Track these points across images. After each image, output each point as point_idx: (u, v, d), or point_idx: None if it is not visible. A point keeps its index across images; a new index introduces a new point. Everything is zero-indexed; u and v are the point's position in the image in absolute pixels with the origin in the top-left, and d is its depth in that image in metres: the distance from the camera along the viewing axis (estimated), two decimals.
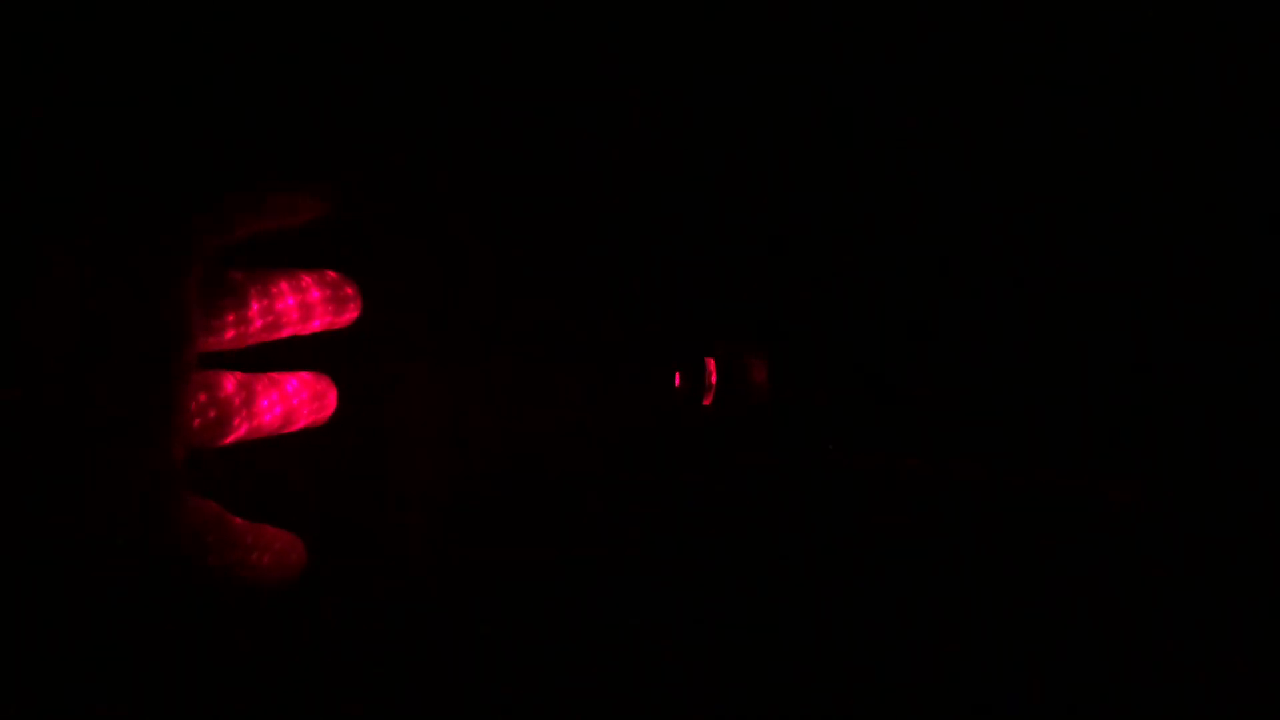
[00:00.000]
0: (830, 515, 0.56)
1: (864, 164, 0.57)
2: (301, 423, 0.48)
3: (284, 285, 0.45)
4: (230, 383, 0.44)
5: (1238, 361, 0.54)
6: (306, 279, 0.46)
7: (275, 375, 0.46)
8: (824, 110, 0.56)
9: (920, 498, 0.55)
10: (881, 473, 0.55)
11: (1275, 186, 0.54)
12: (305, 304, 0.46)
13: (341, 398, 0.49)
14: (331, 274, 0.47)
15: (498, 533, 0.55)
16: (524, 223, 0.56)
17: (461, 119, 0.54)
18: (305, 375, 0.48)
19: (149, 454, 0.39)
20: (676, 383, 0.56)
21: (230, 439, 0.44)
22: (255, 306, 0.44)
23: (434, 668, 0.53)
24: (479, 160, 0.55)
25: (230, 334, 0.43)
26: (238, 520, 0.43)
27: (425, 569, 0.54)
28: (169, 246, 0.40)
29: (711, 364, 0.56)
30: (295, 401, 0.47)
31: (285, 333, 0.46)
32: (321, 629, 0.52)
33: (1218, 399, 0.54)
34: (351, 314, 0.48)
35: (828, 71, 0.56)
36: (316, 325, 0.47)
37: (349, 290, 0.48)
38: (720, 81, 0.56)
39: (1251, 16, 0.54)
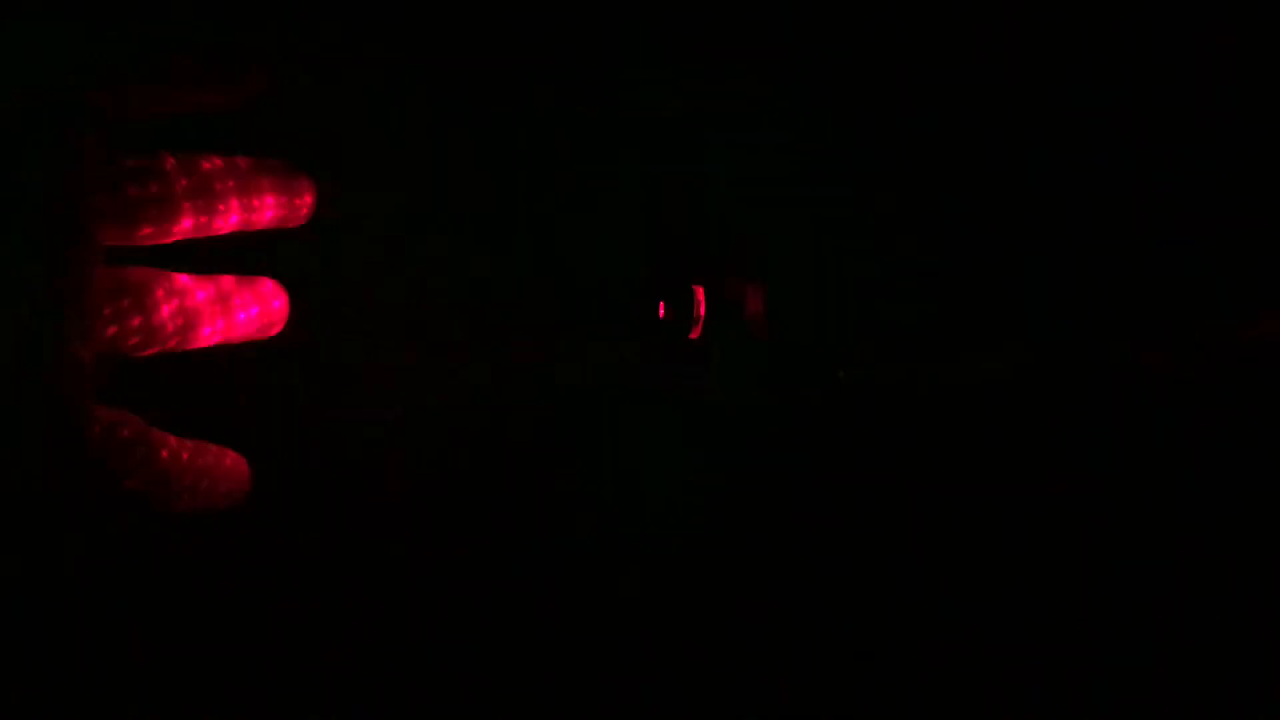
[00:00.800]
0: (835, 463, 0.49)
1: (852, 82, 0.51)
2: (248, 328, 0.45)
3: (234, 202, 0.42)
4: (183, 278, 0.41)
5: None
6: (268, 197, 0.44)
7: (209, 276, 0.43)
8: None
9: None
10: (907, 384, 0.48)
11: None
12: (250, 221, 0.43)
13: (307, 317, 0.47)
14: (276, 161, 0.44)
15: (475, 466, 0.50)
16: (502, 138, 0.51)
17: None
18: (239, 278, 0.45)
19: (44, 359, 0.36)
20: (660, 315, 0.51)
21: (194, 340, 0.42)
22: (188, 222, 0.41)
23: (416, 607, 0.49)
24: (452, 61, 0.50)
25: (147, 230, 0.40)
26: (169, 436, 0.40)
27: (399, 500, 0.50)
28: (55, 113, 0.37)
29: (700, 293, 0.51)
30: (235, 300, 0.44)
31: (232, 223, 0.42)
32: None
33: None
34: (305, 199, 0.45)
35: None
36: (269, 216, 0.44)
37: (302, 180, 0.45)
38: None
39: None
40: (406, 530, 0.48)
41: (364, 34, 0.46)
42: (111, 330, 0.39)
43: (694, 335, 0.51)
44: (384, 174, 0.49)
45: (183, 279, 0.42)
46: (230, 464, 0.43)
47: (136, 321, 0.40)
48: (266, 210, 0.44)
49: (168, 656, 0.44)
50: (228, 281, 0.44)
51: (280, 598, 0.47)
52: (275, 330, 0.46)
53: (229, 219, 0.42)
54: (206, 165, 0.41)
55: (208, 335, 0.43)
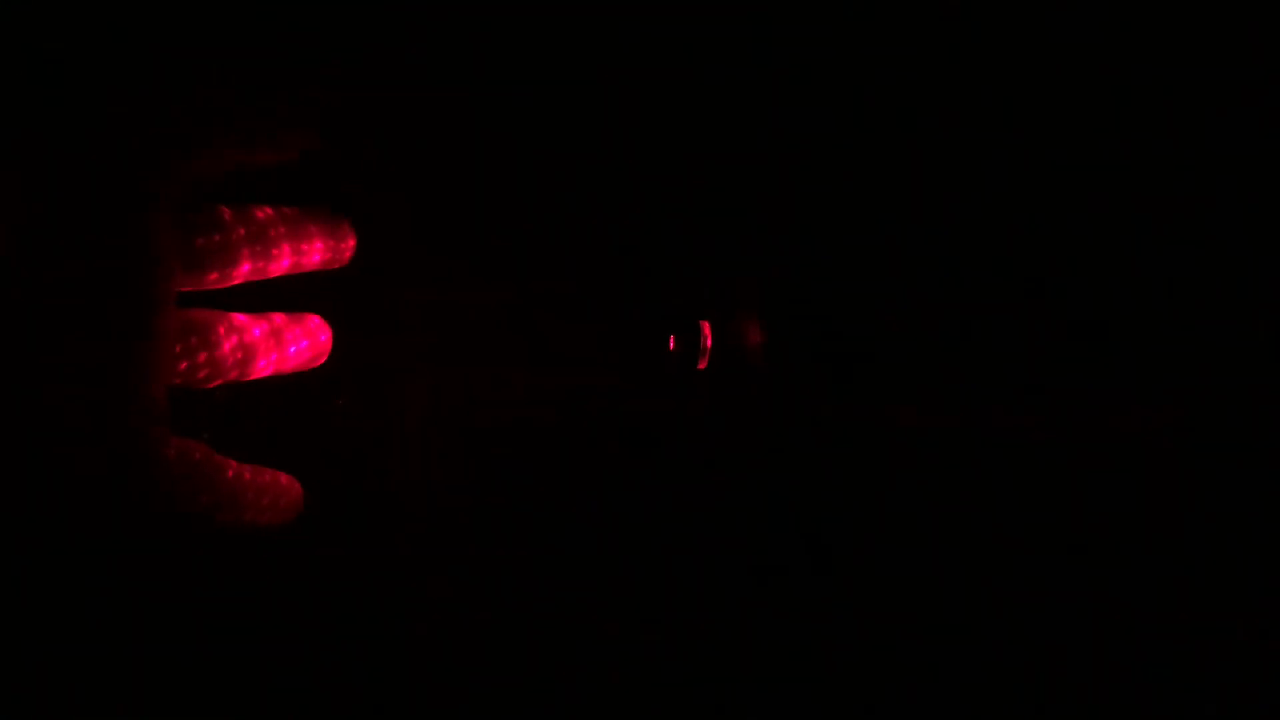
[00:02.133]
0: (830, 478, 0.55)
1: (856, 131, 0.57)
2: (298, 360, 0.48)
3: (285, 248, 0.45)
4: (241, 317, 0.44)
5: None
6: (316, 240, 0.46)
7: (263, 314, 0.46)
8: (812, 81, 0.56)
9: (927, 450, 0.54)
10: (880, 427, 0.54)
11: None
12: (300, 265, 0.46)
13: (341, 347, 0.50)
14: (325, 210, 0.47)
15: (494, 498, 0.54)
16: (518, 184, 0.56)
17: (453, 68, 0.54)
18: (289, 315, 0.48)
19: (125, 394, 0.38)
20: (671, 346, 0.56)
21: (223, 379, 0.44)
22: (246, 266, 0.44)
23: (436, 638, 0.53)
24: (469, 113, 0.54)
25: (213, 275, 0.43)
26: (230, 461, 0.43)
27: (425, 520, 0.54)
28: (133, 174, 0.39)
29: (706, 327, 0.56)
30: (287, 335, 0.47)
31: (282, 263, 0.45)
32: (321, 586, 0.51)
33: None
34: (349, 242, 0.48)
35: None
36: (317, 259, 0.47)
37: (344, 224, 0.48)
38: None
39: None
40: (439, 548, 0.52)
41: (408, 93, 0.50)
42: (183, 365, 0.42)
43: (701, 366, 0.56)
44: (415, 209, 0.53)
45: (240, 317, 0.45)
46: (285, 483, 0.46)
47: (203, 357, 0.43)
48: (315, 254, 0.47)
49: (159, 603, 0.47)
50: (279, 318, 0.47)
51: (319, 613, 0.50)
52: (322, 361, 0.49)
53: (281, 263, 0.46)
54: (260, 215, 0.45)
55: (263, 367, 0.46)
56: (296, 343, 0.48)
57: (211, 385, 0.44)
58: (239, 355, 0.44)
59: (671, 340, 0.55)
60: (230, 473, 0.43)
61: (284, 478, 0.46)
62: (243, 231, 0.43)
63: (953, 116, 0.55)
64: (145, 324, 0.39)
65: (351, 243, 0.49)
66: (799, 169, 0.57)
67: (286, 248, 0.45)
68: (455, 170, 0.54)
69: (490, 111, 0.54)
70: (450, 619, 0.53)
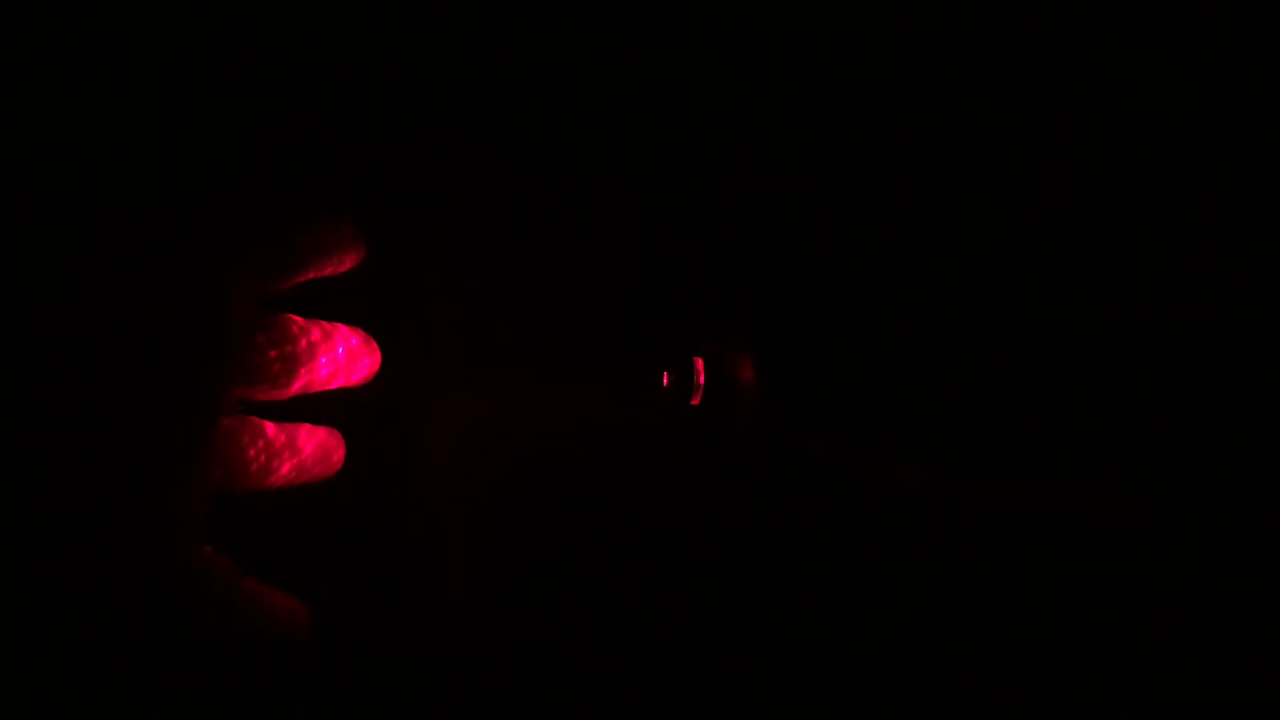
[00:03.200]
0: (819, 519, 0.56)
1: (853, 163, 0.57)
2: (320, 469, 0.46)
3: (336, 336, 0.44)
4: (271, 426, 0.43)
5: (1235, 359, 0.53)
6: (343, 329, 0.44)
7: (298, 424, 0.45)
8: (808, 108, 0.56)
9: (912, 504, 0.55)
10: (871, 478, 0.55)
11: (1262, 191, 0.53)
12: (351, 352, 0.44)
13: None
14: (358, 329, 0.46)
15: (508, 549, 0.56)
16: (503, 224, 0.56)
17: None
18: (308, 426, 0.46)
19: (167, 498, 0.36)
20: (664, 383, 0.56)
21: (271, 482, 0.43)
22: (324, 359, 0.43)
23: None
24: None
25: (297, 387, 0.42)
26: (248, 580, 0.41)
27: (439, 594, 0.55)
28: (220, 272, 0.37)
29: (700, 364, 0.57)
30: (312, 445, 0.45)
31: (338, 382, 0.44)
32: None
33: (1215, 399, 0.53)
34: (377, 361, 0.46)
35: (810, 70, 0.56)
36: (356, 378, 0.45)
37: (371, 340, 0.46)
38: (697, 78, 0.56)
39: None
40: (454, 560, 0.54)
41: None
42: (217, 473, 0.41)
43: (695, 402, 0.57)
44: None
45: (270, 426, 0.44)
46: (288, 604, 0.43)
47: (261, 462, 0.42)
48: (357, 372, 0.46)
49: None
50: (301, 430, 0.45)
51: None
52: (335, 470, 0.47)
53: (322, 377, 0.44)
54: (317, 331, 0.43)
55: (285, 475, 0.44)
56: (314, 455, 0.45)
57: (264, 486, 0.43)
58: (262, 460, 0.42)
59: (665, 377, 0.56)
60: (250, 595, 0.41)
61: (293, 604, 0.43)
62: (304, 344, 0.42)
63: (962, 154, 0.56)
64: (199, 428, 0.37)
65: (379, 361, 0.47)
66: (799, 205, 0.57)
67: (340, 345, 0.44)
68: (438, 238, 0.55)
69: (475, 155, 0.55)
70: (467, 636, 0.54)
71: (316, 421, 0.46)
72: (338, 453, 0.46)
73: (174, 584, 0.37)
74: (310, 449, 0.44)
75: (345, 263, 0.43)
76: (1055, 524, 0.53)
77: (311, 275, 0.42)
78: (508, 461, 0.55)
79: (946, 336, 0.55)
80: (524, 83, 0.55)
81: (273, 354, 0.40)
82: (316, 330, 0.43)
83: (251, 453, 0.41)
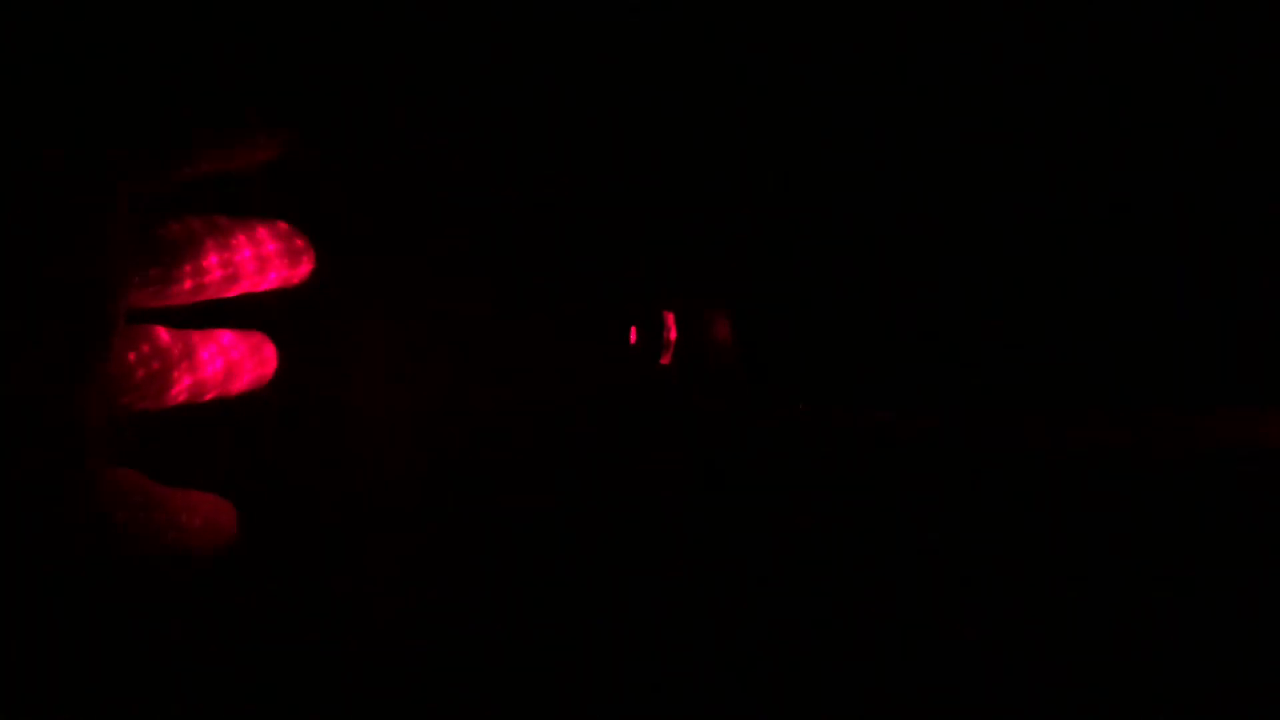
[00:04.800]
0: (807, 477, 0.52)
1: (834, 116, 0.53)
2: (245, 378, 0.44)
3: (241, 237, 0.42)
4: (165, 333, 0.41)
5: None
6: (260, 230, 0.43)
7: (209, 330, 0.43)
8: (788, 64, 0.52)
9: (902, 454, 0.50)
10: (860, 430, 0.51)
11: None
12: (261, 256, 0.43)
13: (285, 361, 0.46)
14: (283, 225, 0.44)
15: (461, 504, 0.51)
16: (472, 173, 0.52)
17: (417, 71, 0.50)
18: (237, 331, 0.44)
19: (63, 418, 0.35)
20: (633, 339, 0.52)
21: (173, 394, 0.41)
22: (214, 258, 0.41)
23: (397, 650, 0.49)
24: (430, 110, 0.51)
25: (188, 285, 0.40)
26: (163, 488, 0.40)
27: (380, 540, 0.50)
28: (89, 185, 0.36)
29: (671, 319, 0.52)
30: (235, 355, 0.44)
31: (243, 287, 0.43)
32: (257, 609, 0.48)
33: None
34: (306, 267, 0.45)
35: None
36: (272, 278, 0.44)
37: (300, 243, 0.45)
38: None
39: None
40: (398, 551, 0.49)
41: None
42: (137, 377, 0.39)
43: (664, 360, 0.52)
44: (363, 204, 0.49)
45: (190, 333, 0.42)
46: (217, 506, 0.43)
47: (156, 372, 0.40)
48: (273, 271, 0.44)
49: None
50: (227, 335, 0.44)
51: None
52: (267, 380, 0.46)
53: (245, 260, 0.43)
54: (221, 221, 0.42)
55: (212, 386, 0.43)
56: (242, 357, 0.44)
57: (164, 402, 0.41)
58: (187, 366, 0.41)
59: (633, 333, 0.52)
60: (164, 498, 0.40)
61: (217, 501, 0.42)
62: (201, 224, 0.41)
63: (936, 104, 0.52)
64: (95, 339, 0.36)
65: (308, 269, 0.45)
66: (771, 152, 0.53)
67: (252, 270, 0.43)
68: (408, 168, 0.51)
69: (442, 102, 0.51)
70: (429, 630, 0.50)
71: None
72: (268, 359, 0.45)
73: (71, 496, 0.36)
74: (221, 362, 0.43)
75: (254, 155, 0.41)
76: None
77: (210, 168, 0.40)
78: (457, 425, 0.51)
79: (928, 287, 0.51)
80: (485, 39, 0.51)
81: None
82: (219, 225, 0.41)
83: (137, 358, 0.39)
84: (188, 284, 0.40)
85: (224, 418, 0.46)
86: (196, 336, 0.42)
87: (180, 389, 0.41)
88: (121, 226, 0.37)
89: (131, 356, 0.39)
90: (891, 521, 0.51)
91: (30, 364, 0.34)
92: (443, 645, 0.49)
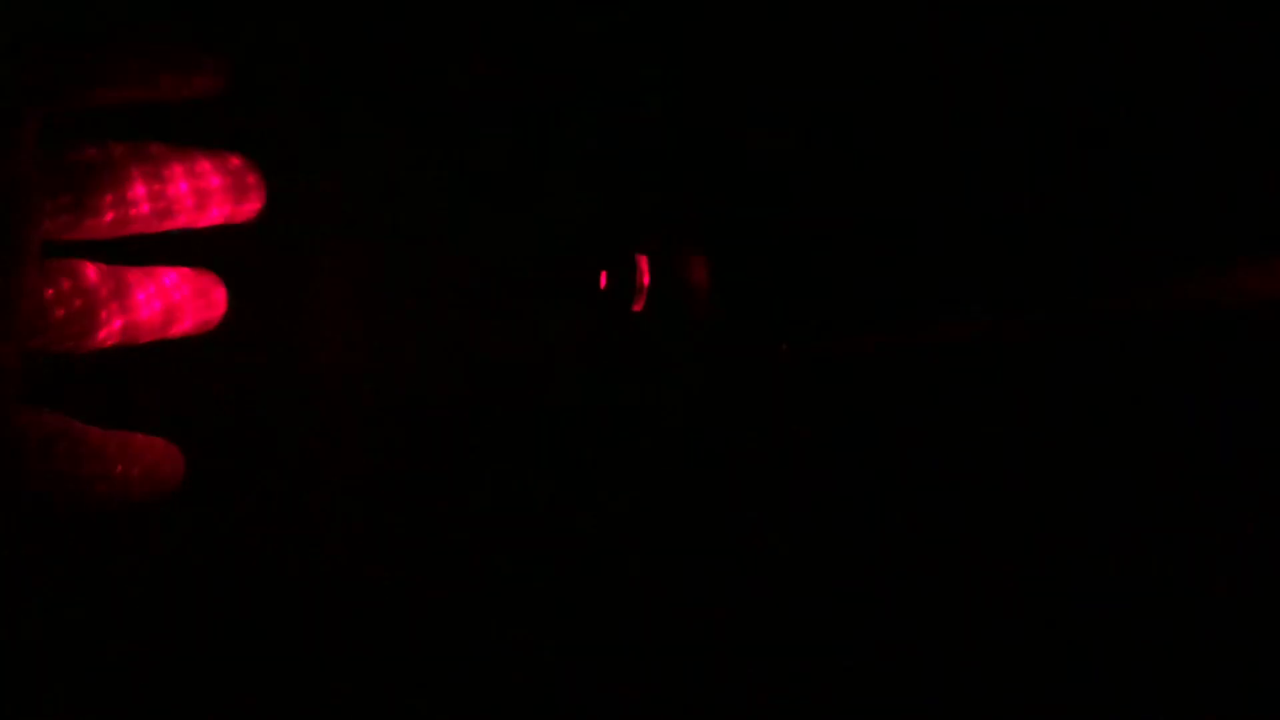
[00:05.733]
0: (788, 428, 0.48)
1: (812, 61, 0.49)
2: (186, 323, 0.41)
3: (177, 168, 0.39)
4: (93, 270, 0.38)
5: None
6: (204, 163, 0.40)
7: (150, 268, 0.40)
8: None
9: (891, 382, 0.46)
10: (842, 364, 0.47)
11: None
12: (201, 190, 0.39)
13: (236, 301, 0.42)
14: (235, 159, 0.41)
15: (418, 457, 0.48)
16: (438, 111, 0.48)
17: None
18: (185, 270, 0.41)
19: None
20: (602, 284, 0.48)
21: (101, 336, 0.38)
22: (141, 189, 0.38)
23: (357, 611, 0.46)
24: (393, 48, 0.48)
25: (109, 216, 0.37)
26: (94, 430, 0.37)
27: (339, 493, 0.47)
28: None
29: (644, 262, 0.48)
30: (177, 296, 0.40)
31: (178, 222, 0.39)
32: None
33: None
34: (253, 205, 0.41)
35: None
36: (214, 215, 0.40)
37: (251, 179, 0.41)
38: None
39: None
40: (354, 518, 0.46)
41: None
42: (56, 315, 0.36)
43: (637, 308, 0.48)
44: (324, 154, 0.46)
45: (126, 270, 0.39)
46: (162, 447, 0.40)
47: (78, 309, 0.37)
48: (215, 198, 0.40)
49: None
50: (166, 273, 0.41)
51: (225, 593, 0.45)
52: (214, 323, 0.42)
53: (180, 194, 0.39)
54: (152, 148, 0.39)
55: (149, 328, 0.40)
56: (185, 299, 0.41)
57: (90, 344, 0.38)
58: (118, 307, 0.38)
59: (603, 277, 0.48)
60: (98, 443, 0.37)
61: (160, 444, 0.40)
62: (125, 149, 0.38)
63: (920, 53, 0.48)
64: (2, 271, 0.34)
65: (255, 207, 0.42)
66: (745, 93, 0.49)
67: (190, 205, 0.39)
68: (369, 115, 0.47)
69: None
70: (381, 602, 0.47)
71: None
72: (216, 302, 0.42)
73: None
74: (160, 304, 0.39)
75: (185, 83, 0.38)
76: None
77: (135, 94, 0.37)
78: (412, 383, 0.47)
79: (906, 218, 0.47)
80: None
81: (109, 197, 0.37)
82: (146, 152, 0.38)
83: (55, 295, 0.36)
84: (108, 216, 0.37)
85: (165, 361, 0.43)
86: (133, 275, 0.39)
87: (110, 331, 0.38)
88: (26, 150, 0.34)
89: (49, 293, 0.36)
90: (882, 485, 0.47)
91: None
92: (392, 618, 0.46)
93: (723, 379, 0.49)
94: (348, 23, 0.47)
